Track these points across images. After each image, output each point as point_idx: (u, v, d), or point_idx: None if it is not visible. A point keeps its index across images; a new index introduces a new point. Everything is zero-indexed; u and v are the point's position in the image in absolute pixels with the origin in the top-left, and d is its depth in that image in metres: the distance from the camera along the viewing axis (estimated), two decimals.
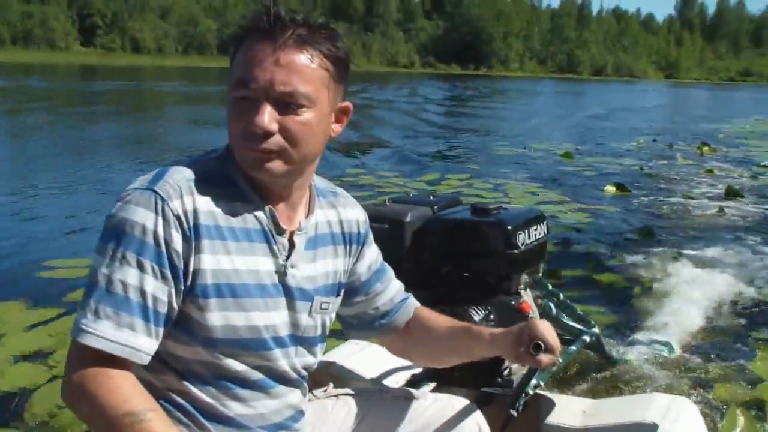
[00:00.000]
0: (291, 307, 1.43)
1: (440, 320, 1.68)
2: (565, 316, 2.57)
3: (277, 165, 1.34)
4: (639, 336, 4.15)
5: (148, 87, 33.29)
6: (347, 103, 1.44)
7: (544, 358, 1.48)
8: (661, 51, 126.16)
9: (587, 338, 2.60)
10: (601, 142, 16.20)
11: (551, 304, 2.47)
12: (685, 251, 6.23)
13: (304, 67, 1.32)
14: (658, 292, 5.07)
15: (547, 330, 1.49)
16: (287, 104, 1.31)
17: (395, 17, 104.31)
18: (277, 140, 1.32)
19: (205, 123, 16.79)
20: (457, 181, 9.85)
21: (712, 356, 3.93)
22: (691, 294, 4.95)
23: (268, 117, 1.30)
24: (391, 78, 56.06)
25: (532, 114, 25.51)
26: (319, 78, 1.34)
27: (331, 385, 1.74)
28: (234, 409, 1.40)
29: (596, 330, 2.70)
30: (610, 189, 9.50)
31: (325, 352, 1.66)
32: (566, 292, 2.83)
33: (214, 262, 1.33)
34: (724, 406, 3.33)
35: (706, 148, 14.65)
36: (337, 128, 1.44)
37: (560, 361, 1.61)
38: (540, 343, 1.47)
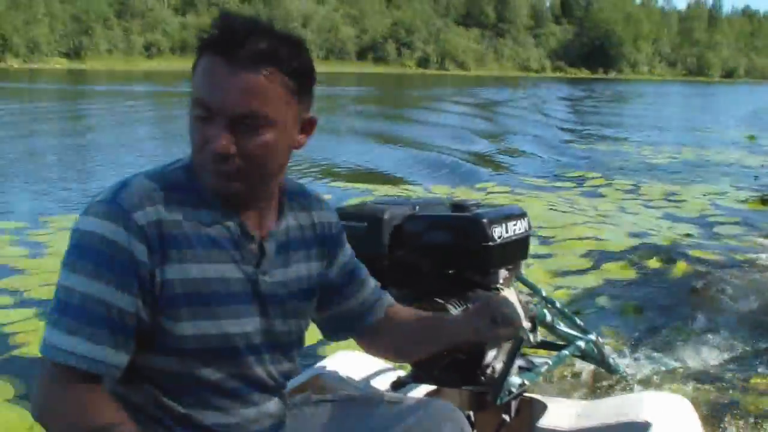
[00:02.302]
0: (264, 313, 1.40)
1: (409, 313, 1.67)
2: (561, 324, 2.59)
3: (236, 185, 1.32)
4: (657, 351, 3.96)
5: None
6: (312, 116, 1.39)
7: (502, 330, 1.48)
8: None
9: (582, 344, 2.57)
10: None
11: (545, 311, 2.45)
12: None
13: (263, 88, 1.27)
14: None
15: (505, 303, 1.49)
16: (246, 125, 1.27)
17: (526, 23, 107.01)
18: (235, 162, 1.29)
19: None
20: (687, 152, 13.85)
21: (726, 374, 3.66)
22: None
23: (225, 140, 1.27)
24: (523, 81, 58.27)
25: (691, 112, 28.93)
26: (279, 97, 1.29)
27: (310, 392, 1.73)
28: (211, 418, 1.37)
29: (592, 337, 2.68)
30: None
31: (313, 364, 1.66)
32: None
33: (183, 271, 1.30)
34: (725, 410, 3.21)
35: None
36: (302, 139, 1.39)
37: (528, 338, 1.70)
38: (497, 316, 1.47)
